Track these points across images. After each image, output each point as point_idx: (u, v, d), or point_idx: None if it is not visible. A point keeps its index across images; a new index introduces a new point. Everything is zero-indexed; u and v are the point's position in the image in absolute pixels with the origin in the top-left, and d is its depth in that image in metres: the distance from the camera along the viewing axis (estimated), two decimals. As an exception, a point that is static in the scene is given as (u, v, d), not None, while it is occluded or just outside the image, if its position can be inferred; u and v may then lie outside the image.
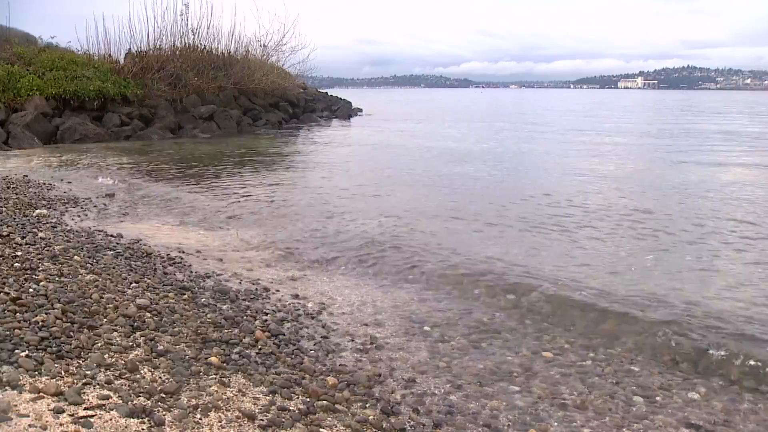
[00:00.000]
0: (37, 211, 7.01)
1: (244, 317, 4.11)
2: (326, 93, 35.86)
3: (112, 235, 6.17)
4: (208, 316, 4.02)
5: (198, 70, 20.58)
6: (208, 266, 5.40)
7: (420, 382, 3.38)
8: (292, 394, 3.01)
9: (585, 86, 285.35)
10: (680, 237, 6.64)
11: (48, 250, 5.03)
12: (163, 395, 2.75)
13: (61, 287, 3.99)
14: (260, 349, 3.60)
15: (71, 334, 3.25)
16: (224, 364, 3.25)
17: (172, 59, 20.08)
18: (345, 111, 30.36)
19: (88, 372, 2.84)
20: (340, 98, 34.36)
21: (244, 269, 5.42)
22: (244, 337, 3.73)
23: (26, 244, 5.19)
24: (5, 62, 16.92)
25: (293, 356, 3.57)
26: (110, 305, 3.81)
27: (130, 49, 20.33)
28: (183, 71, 19.91)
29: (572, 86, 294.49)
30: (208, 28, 21.94)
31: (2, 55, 17.46)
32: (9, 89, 15.92)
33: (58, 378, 2.73)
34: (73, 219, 6.96)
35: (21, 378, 2.66)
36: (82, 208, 7.70)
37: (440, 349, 3.84)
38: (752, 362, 3.61)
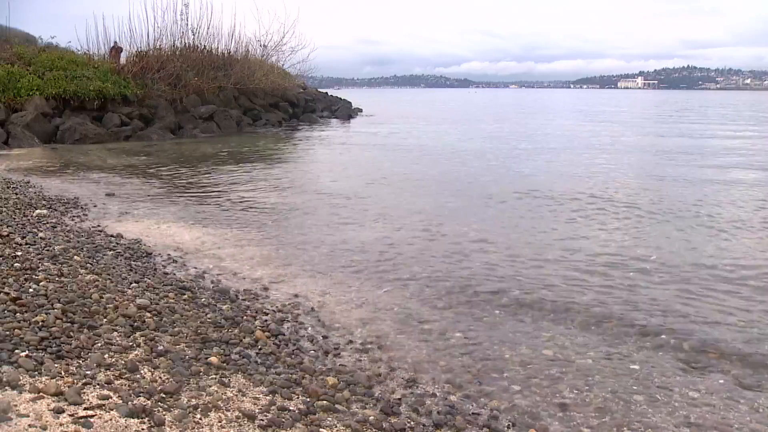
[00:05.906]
0: (37, 211, 7.00)
1: (244, 317, 4.11)
2: (326, 93, 35.87)
3: (112, 235, 6.17)
4: (208, 316, 4.02)
5: (198, 70, 20.58)
6: (207, 265, 5.41)
7: (420, 381, 3.38)
8: (292, 394, 3.01)
9: (585, 86, 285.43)
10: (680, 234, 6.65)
11: (48, 250, 5.03)
12: (163, 395, 2.74)
13: (61, 287, 3.99)
14: (260, 349, 3.61)
15: (71, 334, 3.25)
16: (224, 364, 3.25)
17: (172, 59, 20.07)
18: (345, 111, 30.35)
19: (88, 372, 2.84)
20: (340, 98, 34.37)
21: (244, 268, 5.41)
22: (244, 337, 3.73)
23: (26, 244, 5.19)
24: (5, 62, 16.91)
25: (293, 356, 3.57)
26: (110, 305, 3.81)
27: (117, 44, 20.26)
28: (183, 71, 19.89)
29: (572, 86, 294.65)
30: (208, 28, 21.99)
31: (2, 55, 17.44)
32: (9, 89, 15.91)
33: (58, 378, 2.73)
34: (73, 219, 6.95)
35: (21, 378, 2.65)
36: (81, 208, 7.70)
37: (439, 347, 3.84)
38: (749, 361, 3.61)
